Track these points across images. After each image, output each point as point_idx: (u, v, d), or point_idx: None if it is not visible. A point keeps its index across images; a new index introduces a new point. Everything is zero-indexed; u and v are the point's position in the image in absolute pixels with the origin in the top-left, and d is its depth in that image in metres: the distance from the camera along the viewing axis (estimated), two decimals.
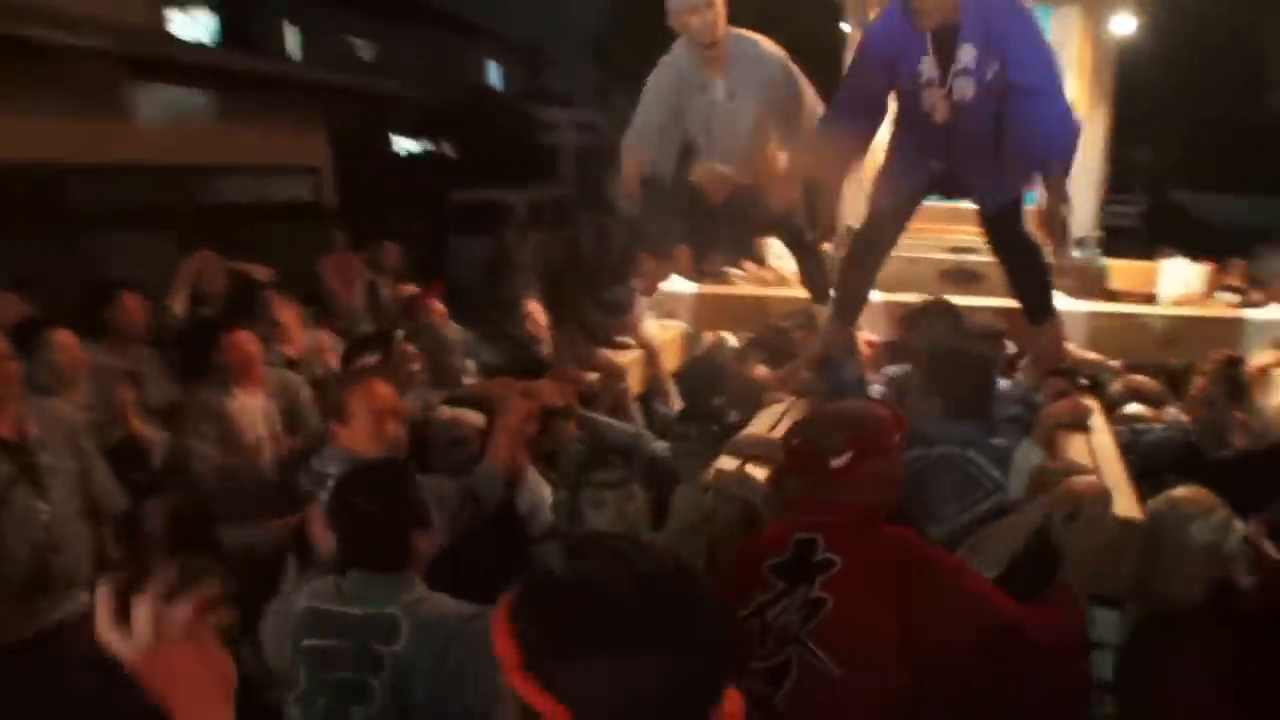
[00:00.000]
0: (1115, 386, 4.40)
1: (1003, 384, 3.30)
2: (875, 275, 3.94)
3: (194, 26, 12.30)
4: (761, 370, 4.31)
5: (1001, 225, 3.63)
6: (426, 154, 19.52)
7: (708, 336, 5.35)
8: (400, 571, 2.10)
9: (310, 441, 3.68)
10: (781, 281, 6.18)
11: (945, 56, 3.31)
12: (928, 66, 3.35)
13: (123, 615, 1.09)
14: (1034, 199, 3.59)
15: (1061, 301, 4.22)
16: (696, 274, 6.10)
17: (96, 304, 4.31)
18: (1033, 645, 1.90)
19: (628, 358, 4.67)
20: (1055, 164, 3.34)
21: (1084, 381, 3.67)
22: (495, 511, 2.72)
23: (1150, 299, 5.99)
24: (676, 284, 5.88)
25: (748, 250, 6.57)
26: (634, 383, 4.57)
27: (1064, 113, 3.34)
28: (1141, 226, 12.12)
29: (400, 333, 4.22)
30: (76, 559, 3.06)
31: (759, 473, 2.61)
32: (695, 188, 4.08)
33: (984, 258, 5.43)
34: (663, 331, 5.32)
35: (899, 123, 3.65)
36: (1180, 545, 2.21)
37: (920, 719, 1.84)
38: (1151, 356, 5.08)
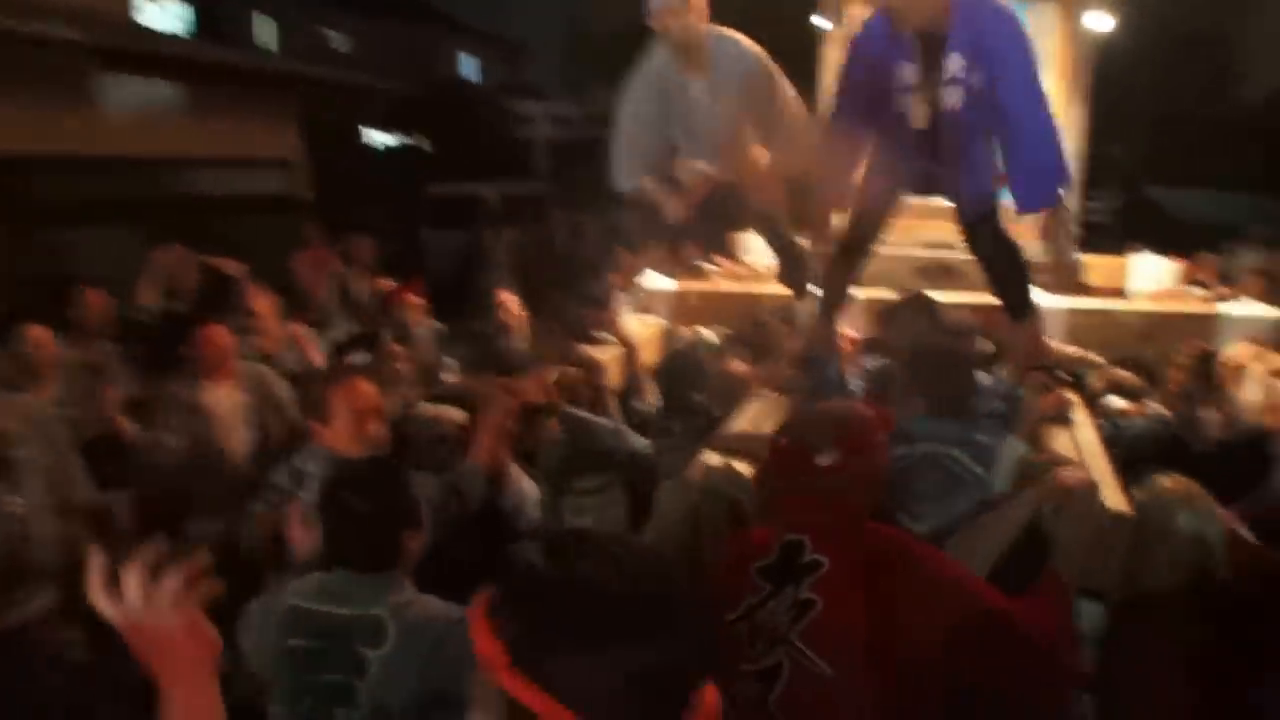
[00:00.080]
0: (1095, 381, 4.43)
1: (984, 379, 3.31)
2: (860, 272, 3.95)
3: (165, 17, 12.14)
4: (741, 366, 4.30)
5: (980, 226, 3.64)
6: (400, 147, 19.39)
7: (685, 332, 5.34)
8: (388, 572, 2.07)
9: (287, 436, 3.65)
10: (756, 277, 6.19)
11: (929, 63, 3.30)
12: (909, 72, 3.35)
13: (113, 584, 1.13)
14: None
15: (1038, 296, 4.24)
16: (672, 269, 6.09)
17: (59, 298, 4.26)
18: (1024, 639, 1.90)
19: (606, 354, 4.65)
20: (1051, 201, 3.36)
21: (1065, 376, 3.69)
22: (479, 509, 2.69)
23: (1123, 294, 6.06)
24: (654, 280, 5.87)
25: (721, 246, 6.57)
26: (613, 379, 4.55)
27: (1055, 158, 3.35)
28: (1116, 223, 12.23)
29: (387, 332, 4.19)
30: (48, 554, 3.02)
31: (744, 468, 2.61)
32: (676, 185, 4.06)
33: (961, 254, 5.48)
34: (641, 328, 5.31)
35: (881, 123, 3.65)
36: (1166, 535, 2.21)
37: (913, 716, 1.83)
38: (1126, 350, 5.13)
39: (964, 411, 2.80)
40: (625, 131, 4.12)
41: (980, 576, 2.08)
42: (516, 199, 15.36)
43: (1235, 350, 4.75)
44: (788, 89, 4.12)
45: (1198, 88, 18.56)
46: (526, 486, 2.85)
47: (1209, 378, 4.23)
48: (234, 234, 7.50)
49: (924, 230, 5.71)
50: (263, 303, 4.78)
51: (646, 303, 5.75)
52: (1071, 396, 3.41)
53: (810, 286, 4.39)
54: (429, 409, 3.33)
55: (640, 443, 3.46)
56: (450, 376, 4.45)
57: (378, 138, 19.36)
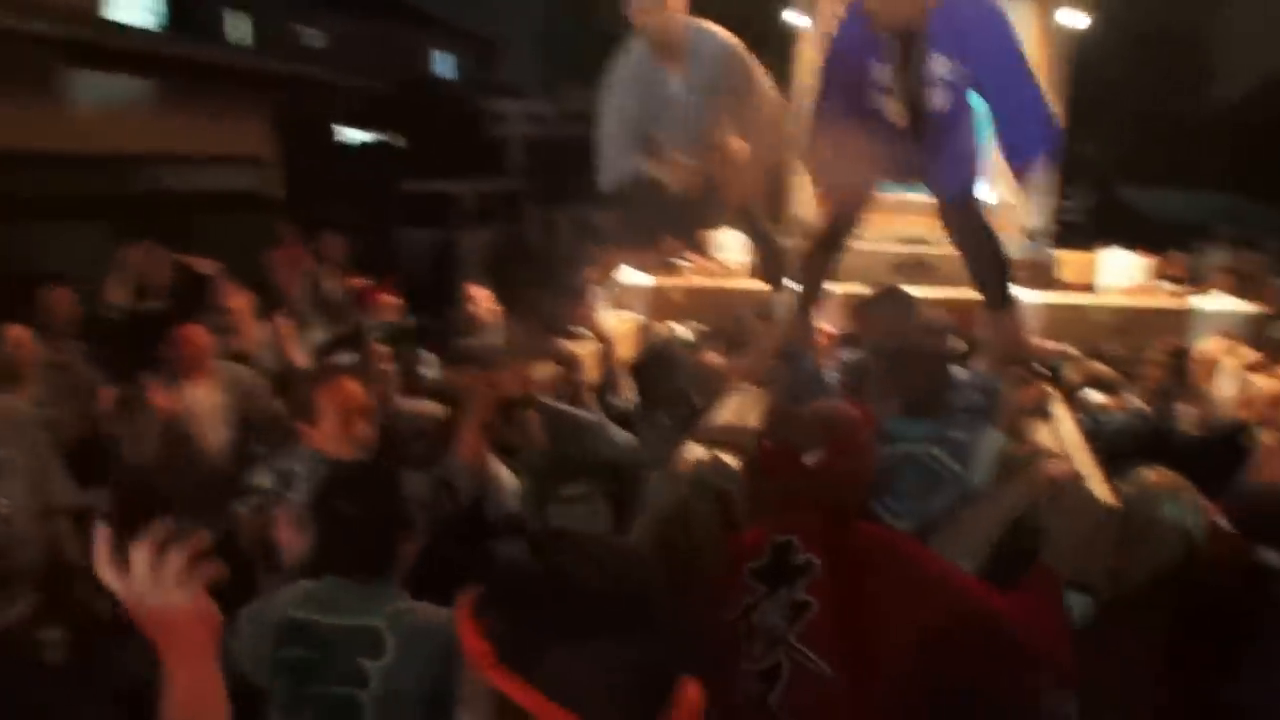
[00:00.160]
0: (1072, 374, 4.46)
1: (961, 373, 3.32)
2: (837, 265, 3.96)
3: (135, 10, 11.99)
4: (718, 358, 4.30)
5: (961, 214, 3.65)
6: (374, 144, 19.26)
7: (661, 328, 5.34)
8: (382, 579, 2.03)
9: (265, 435, 3.62)
10: (728, 274, 6.20)
11: (905, 62, 3.30)
12: (884, 73, 3.35)
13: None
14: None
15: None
16: (648, 265, 6.08)
17: (27, 297, 4.20)
18: (1010, 638, 1.92)
19: (583, 349, 4.64)
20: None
21: (1042, 370, 3.71)
22: (469, 506, 2.68)
23: (1093, 289, 6.12)
24: (630, 276, 5.86)
25: (694, 243, 6.57)
26: (589, 375, 4.54)
27: (1041, 108, 3.34)
28: (1089, 222, 12.32)
29: (372, 331, 4.17)
30: (30, 555, 2.99)
31: (729, 459, 2.62)
32: (654, 180, 4.05)
33: (936, 249, 5.50)
34: (617, 323, 5.30)
35: (856, 121, 3.65)
36: (1152, 527, 2.23)
37: (911, 712, 1.85)
38: (1098, 345, 5.18)
39: (940, 409, 2.82)
40: (608, 128, 4.10)
41: (969, 571, 2.10)
42: (491, 197, 15.31)
43: (1208, 345, 4.80)
44: (766, 81, 4.13)
45: (1169, 87, 18.72)
46: (505, 476, 2.85)
47: (1181, 373, 4.27)
48: (205, 232, 7.44)
49: (899, 226, 5.74)
50: (238, 301, 4.73)
51: (622, 298, 5.74)
52: (1050, 390, 3.43)
53: (787, 281, 4.40)
54: (407, 403, 3.32)
55: (622, 436, 3.46)
56: (429, 372, 4.42)
57: (351, 135, 19.23)
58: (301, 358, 4.27)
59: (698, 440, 2.90)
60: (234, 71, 10.84)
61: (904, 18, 3.22)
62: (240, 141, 10.78)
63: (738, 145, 4.05)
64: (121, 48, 8.97)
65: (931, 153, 3.48)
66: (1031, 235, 6.05)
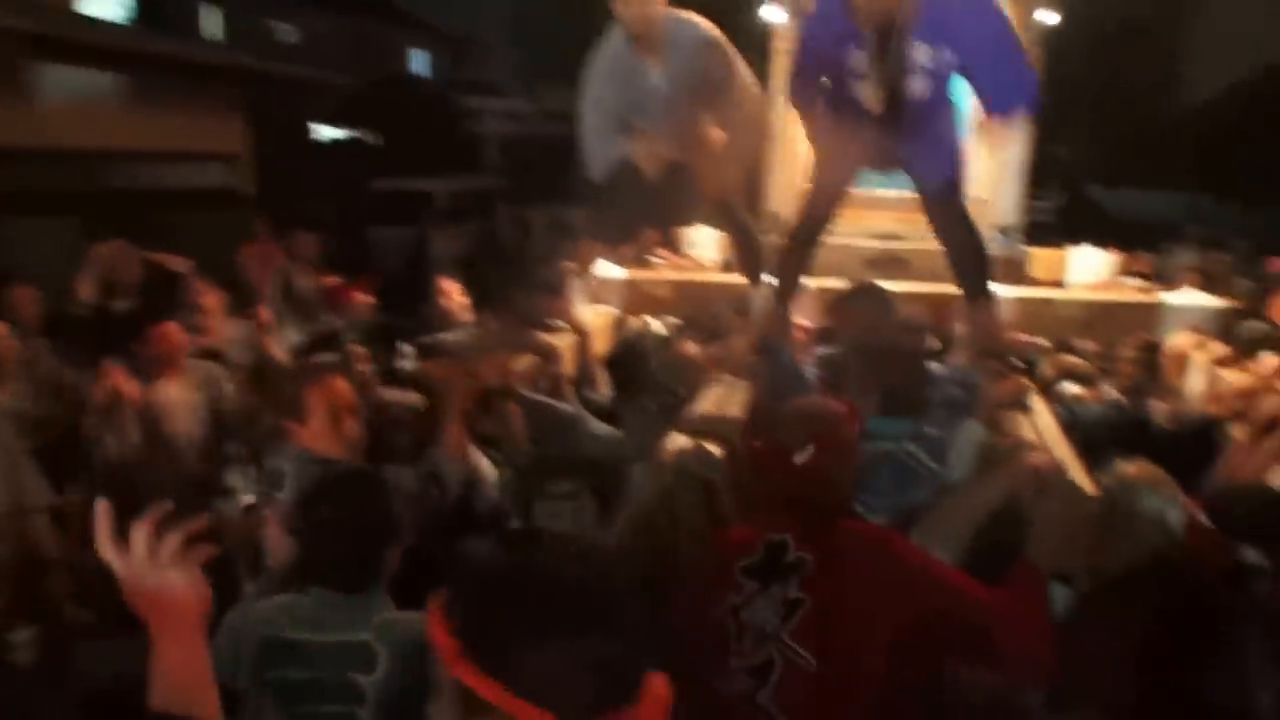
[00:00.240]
0: (1048, 367, 4.50)
1: (938, 368, 3.35)
2: (814, 259, 3.98)
3: (107, 5, 11.84)
4: (694, 348, 4.30)
5: (942, 203, 3.67)
6: (349, 142, 19.14)
7: (636, 322, 5.35)
8: (369, 591, 2.01)
9: (239, 433, 3.61)
10: (701, 269, 6.22)
11: (883, 50, 3.31)
12: (860, 61, 3.36)
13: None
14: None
15: None
16: (623, 259, 6.07)
17: None
18: (1002, 627, 1.94)
19: (560, 342, 4.63)
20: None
21: (1018, 363, 3.74)
22: (456, 500, 2.67)
23: (1062, 285, 6.19)
24: (606, 269, 5.86)
25: (669, 235, 6.56)
26: (566, 367, 4.53)
27: (1019, 60, 3.38)
28: (1058, 222, 12.43)
29: (348, 331, 4.15)
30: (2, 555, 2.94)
31: (713, 448, 2.63)
32: (632, 170, 4.05)
33: (910, 245, 5.54)
34: (593, 317, 5.29)
35: (833, 107, 3.66)
36: (1131, 517, 2.25)
37: (901, 706, 1.88)
38: (1069, 339, 5.24)
39: (917, 406, 2.84)
40: (590, 121, 4.10)
41: (949, 560, 2.12)
42: (466, 194, 15.25)
43: (1177, 340, 4.85)
44: (745, 72, 4.14)
45: (1138, 88, 18.90)
46: (486, 468, 2.85)
47: (1155, 369, 4.32)
48: (177, 229, 7.36)
49: (873, 221, 5.77)
50: (210, 299, 4.69)
51: (598, 292, 5.73)
52: (1026, 383, 3.46)
53: (764, 275, 4.41)
54: (385, 394, 3.31)
55: (603, 429, 3.46)
56: (407, 364, 4.40)
57: (326, 132, 19.10)
58: (280, 352, 4.24)
59: (681, 430, 2.92)
60: (207, 67, 10.72)
61: (888, 10, 3.23)
62: (213, 138, 10.67)
63: (717, 136, 4.06)
64: (93, 42, 8.85)
65: (911, 141, 3.50)
66: (1004, 231, 6.09)
